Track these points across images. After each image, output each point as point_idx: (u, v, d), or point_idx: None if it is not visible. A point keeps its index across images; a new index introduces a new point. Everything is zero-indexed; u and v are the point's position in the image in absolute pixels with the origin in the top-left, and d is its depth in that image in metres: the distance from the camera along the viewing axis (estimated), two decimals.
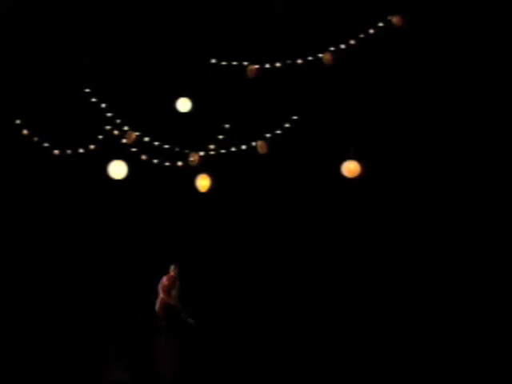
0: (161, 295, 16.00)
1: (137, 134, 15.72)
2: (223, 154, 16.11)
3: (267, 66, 15.24)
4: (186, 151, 15.82)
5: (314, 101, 16.05)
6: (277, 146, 15.63)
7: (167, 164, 16.07)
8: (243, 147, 15.97)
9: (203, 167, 15.48)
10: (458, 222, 16.08)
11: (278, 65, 15.25)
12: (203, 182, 15.33)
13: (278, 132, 15.91)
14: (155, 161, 16.05)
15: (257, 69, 15.13)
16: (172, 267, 16.08)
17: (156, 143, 15.95)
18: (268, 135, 15.80)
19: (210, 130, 15.93)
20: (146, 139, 15.88)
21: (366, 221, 16.60)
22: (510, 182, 15.63)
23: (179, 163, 16.02)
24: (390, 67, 15.69)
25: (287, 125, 15.98)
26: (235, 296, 16.92)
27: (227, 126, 16.06)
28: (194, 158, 15.72)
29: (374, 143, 15.89)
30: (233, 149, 16.11)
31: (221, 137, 16.09)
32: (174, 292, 16.03)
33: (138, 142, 15.73)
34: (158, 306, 16.10)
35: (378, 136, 16.04)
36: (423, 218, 16.32)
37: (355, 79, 15.28)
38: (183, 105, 15.40)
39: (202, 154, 15.85)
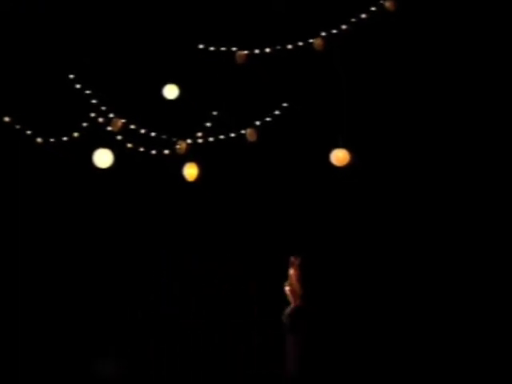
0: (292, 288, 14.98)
1: (123, 121, 15.52)
2: (211, 141, 15.92)
3: (256, 51, 15.11)
4: (173, 139, 15.69)
5: (305, 87, 15.92)
6: (266, 133, 15.53)
7: (154, 152, 15.90)
8: (232, 135, 15.80)
9: (191, 155, 15.34)
10: (451, 214, 15.91)
11: (267, 50, 15.12)
12: (191, 171, 15.15)
13: (268, 119, 15.77)
14: (141, 149, 15.86)
15: (246, 54, 15.04)
16: (293, 258, 15.08)
17: (142, 131, 15.77)
18: (257, 123, 15.66)
19: (198, 117, 15.80)
20: (132, 127, 15.68)
21: (354, 211, 16.44)
22: (504, 172, 15.53)
23: (166, 151, 15.84)
24: (383, 53, 15.57)
25: (277, 112, 15.85)
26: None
27: (215, 113, 15.92)
28: (181, 145, 15.60)
29: (364, 131, 15.73)
30: (221, 136, 15.92)
31: (209, 124, 15.93)
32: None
33: (123, 130, 15.54)
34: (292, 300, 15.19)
35: (368, 123, 15.87)
36: (414, 208, 16.19)
37: (347, 65, 15.15)
38: (170, 91, 15.19)
39: (189, 141, 15.70)
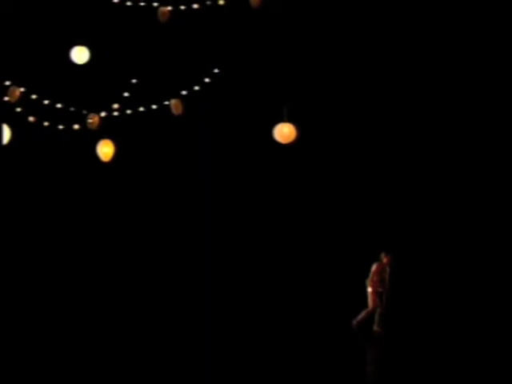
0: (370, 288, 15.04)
1: (22, 90, 14.32)
2: (129, 115, 14.92)
3: (182, 7, 13.93)
4: (84, 112, 14.61)
5: (240, 51, 15.13)
6: (194, 105, 14.52)
7: (61, 127, 14.83)
8: (154, 107, 14.84)
9: (105, 131, 14.33)
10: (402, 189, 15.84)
11: (195, 6, 13.96)
12: (106, 150, 14.19)
13: (196, 88, 14.73)
14: (46, 123, 14.78)
15: (170, 11, 13.84)
16: (383, 254, 15.12)
17: (46, 102, 14.70)
18: (184, 92, 14.63)
19: (113, 85, 14.78)
20: (34, 97, 14.56)
21: (301, 192, 15.81)
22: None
23: (76, 126, 14.75)
24: (328, 11, 14.85)
25: (207, 80, 14.80)
26: None
27: (134, 80, 14.84)
28: (93, 119, 14.54)
29: (311, 102, 15.16)
30: (141, 109, 14.97)
31: (126, 94, 14.86)
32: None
33: (23, 101, 14.38)
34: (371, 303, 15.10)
35: (315, 94, 15.27)
36: (362, 185, 15.91)
37: (289, 24, 14.44)
38: (80, 55, 14.04)
39: (103, 114, 14.64)
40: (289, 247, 15.80)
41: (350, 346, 13.79)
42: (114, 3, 14.12)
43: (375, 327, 14.80)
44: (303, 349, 13.65)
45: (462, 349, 13.45)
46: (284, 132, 13.44)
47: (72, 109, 14.75)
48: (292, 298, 15.71)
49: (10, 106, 14.31)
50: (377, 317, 14.89)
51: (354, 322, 14.91)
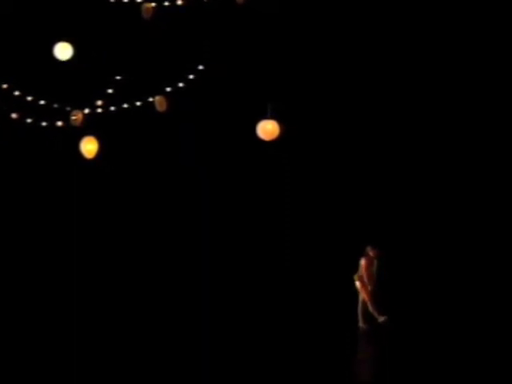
0: (361, 281, 14.95)
1: (4, 86, 14.27)
2: (113, 111, 14.85)
3: (166, 3, 13.79)
4: (68, 108, 14.42)
5: (224, 48, 15.10)
6: (179, 101, 14.42)
7: (44, 124, 14.72)
8: (138, 103, 14.80)
9: (89, 128, 13.92)
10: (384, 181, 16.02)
11: (179, 3, 13.83)
12: (89, 147, 13.65)
13: (181, 85, 14.70)
14: (29, 120, 14.68)
15: (153, 7, 13.58)
16: (369, 248, 15.05)
17: (29, 98, 14.57)
18: (168, 89, 14.58)
19: (97, 82, 14.72)
20: (17, 93, 14.46)
21: (284, 189, 15.86)
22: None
23: (59, 123, 14.63)
24: (312, 8, 14.82)
25: (191, 76, 14.76)
26: None
27: (118, 77, 14.81)
28: (77, 116, 14.32)
29: (295, 100, 15.12)
30: (125, 105, 14.92)
31: (110, 91, 14.78)
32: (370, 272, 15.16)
33: (6, 97, 14.32)
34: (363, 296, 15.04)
35: (300, 91, 15.26)
36: (345, 182, 16.06)
37: (273, 22, 14.44)
38: (63, 51, 13.60)
39: (86, 111, 14.52)
40: (274, 246, 15.87)
41: (342, 344, 13.78)
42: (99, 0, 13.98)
43: (361, 324, 14.72)
44: (297, 347, 13.61)
45: (453, 341, 13.42)
46: (267, 129, 12.98)
47: (55, 105, 14.57)
48: (282, 295, 15.75)
49: None
50: (372, 309, 14.83)
51: (382, 319, 14.70)
